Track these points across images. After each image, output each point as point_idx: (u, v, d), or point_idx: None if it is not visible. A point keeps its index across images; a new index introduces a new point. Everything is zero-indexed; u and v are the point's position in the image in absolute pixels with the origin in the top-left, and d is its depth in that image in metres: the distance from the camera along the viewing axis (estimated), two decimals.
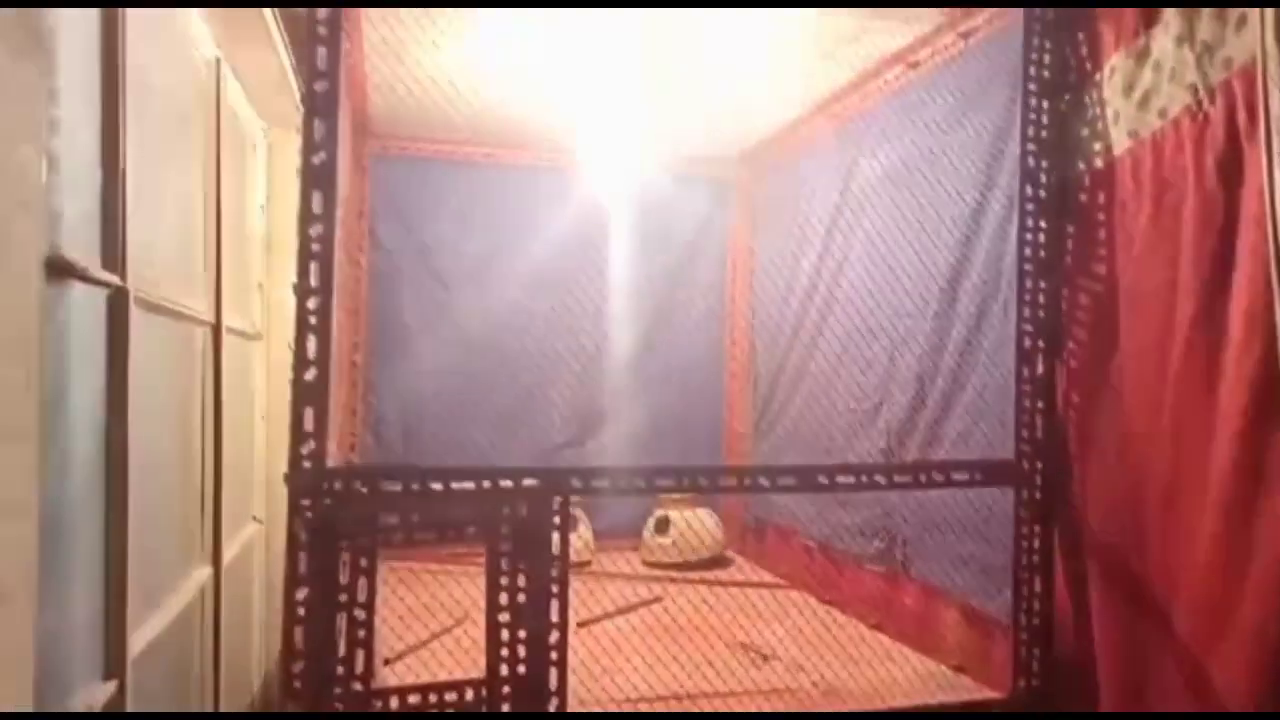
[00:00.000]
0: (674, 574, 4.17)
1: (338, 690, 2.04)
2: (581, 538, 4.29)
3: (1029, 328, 2.46)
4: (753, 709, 2.43)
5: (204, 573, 2.81)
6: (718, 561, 4.38)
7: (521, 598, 2.18)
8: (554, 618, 2.20)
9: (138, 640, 2.00)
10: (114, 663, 1.86)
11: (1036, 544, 2.49)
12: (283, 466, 3.74)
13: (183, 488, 2.60)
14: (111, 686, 1.83)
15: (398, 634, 2.97)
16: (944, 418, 3.01)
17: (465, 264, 4.56)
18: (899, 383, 3.29)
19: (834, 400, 3.76)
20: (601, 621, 3.37)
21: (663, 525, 4.36)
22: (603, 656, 2.94)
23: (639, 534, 4.49)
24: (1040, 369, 2.46)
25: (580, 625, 3.27)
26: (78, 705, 1.65)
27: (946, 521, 2.98)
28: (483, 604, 2.38)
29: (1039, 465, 2.50)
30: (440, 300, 4.58)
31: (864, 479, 2.44)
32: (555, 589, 2.20)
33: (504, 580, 2.17)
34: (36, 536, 1.06)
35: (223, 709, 3.02)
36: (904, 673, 2.89)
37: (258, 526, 3.81)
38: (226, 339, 3.06)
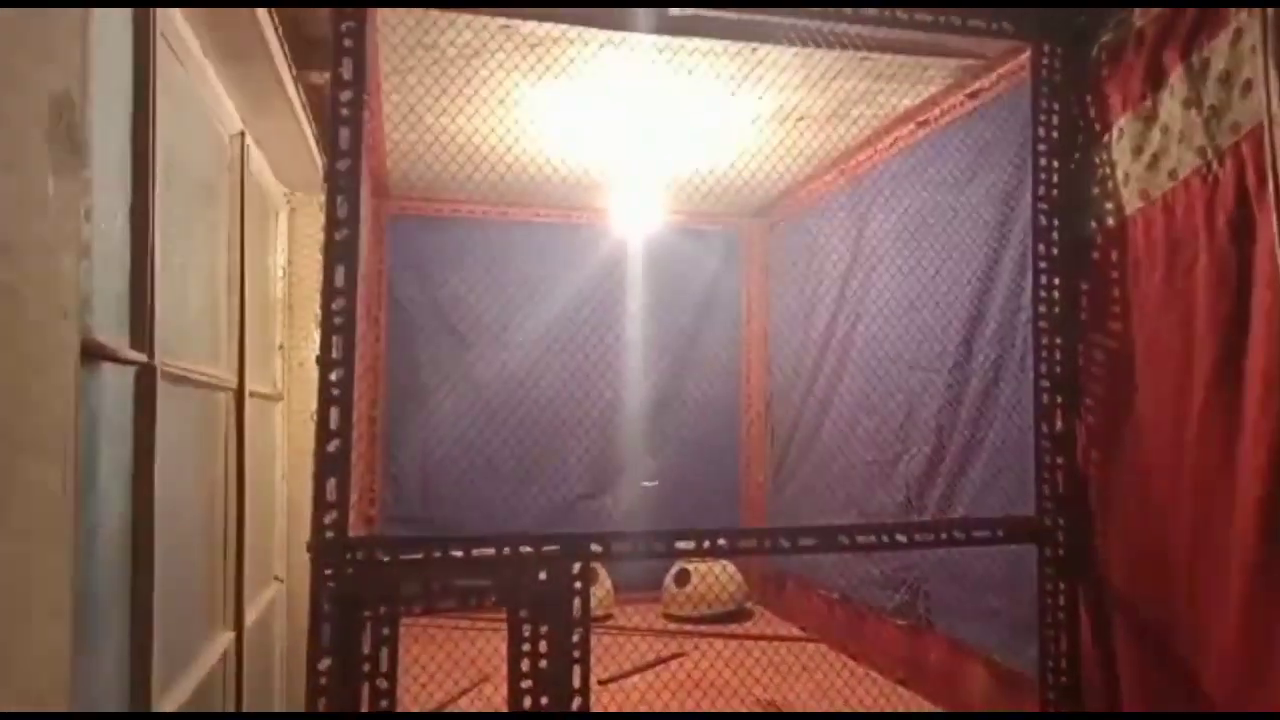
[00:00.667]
0: (695, 627, 4.15)
1: None
2: (602, 590, 4.28)
3: (1046, 384, 2.46)
4: None
5: (226, 637, 2.82)
6: (738, 614, 4.35)
7: (543, 663, 2.18)
8: (576, 682, 2.19)
9: (164, 707, 2.01)
10: None
11: (1062, 601, 2.47)
12: (303, 524, 3.76)
13: (207, 552, 2.62)
14: None
15: (420, 694, 2.97)
16: (964, 470, 3.00)
17: (482, 320, 4.62)
18: (917, 435, 3.29)
19: (851, 453, 3.76)
20: (623, 680, 3.35)
21: (683, 578, 4.34)
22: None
23: (659, 586, 4.48)
24: (1059, 425, 2.45)
25: (602, 683, 3.26)
26: None
27: (970, 575, 2.97)
28: (502, 661, 2.39)
29: (1061, 522, 2.49)
30: (457, 356, 4.63)
31: (885, 538, 2.43)
32: (577, 653, 2.20)
33: (525, 646, 2.17)
34: (70, 638, 1.08)
35: None
36: None
37: (279, 586, 3.82)
38: (249, 402, 3.10)
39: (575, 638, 2.19)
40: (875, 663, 3.53)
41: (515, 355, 4.62)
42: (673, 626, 4.21)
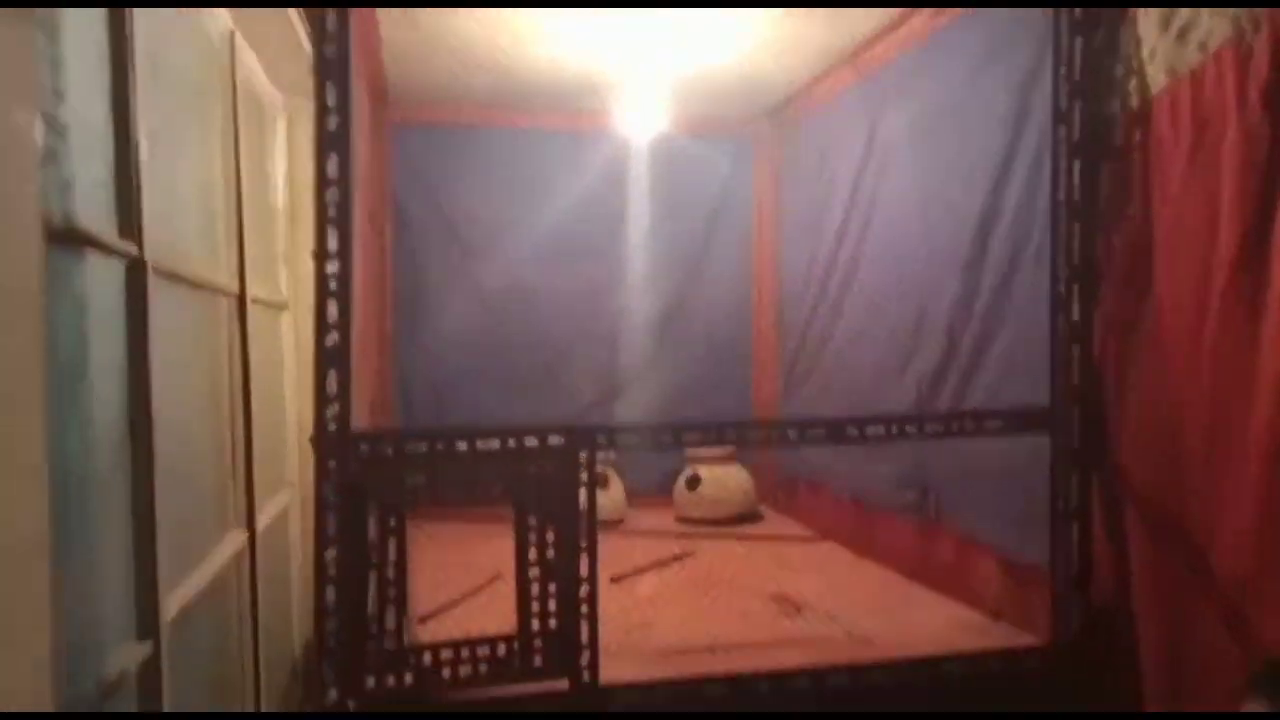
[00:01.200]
0: (706, 530, 4.18)
1: (370, 648, 2.06)
2: (613, 497, 4.30)
3: (1064, 272, 2.39)
4: (785, 659, 2.42)
5: (239, 537, 2.85)
6: (749, 517, 4.38)
7: (550, 554, 2.19)
8: (583, 571, 2.20)
9: (172, 603, 2.03)
10: (148, 625, 1.89)
11: (1074, 491, 2.45)
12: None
13: (213, 455, 2.62)
14: (147, 647, 1.86)
15: (430, 594, 3.01)
16: (975, 368, 2.96)
17: (490, 230, 4.55)
18: (929, 334, 3.23)
19: (862, 354, 3.71)
20: (634, 577, 3.39)
21: (694, 482, 4.36)
22: (635, 610, 2.96)
23: (671, 493, 4.50)
24: (1076, 314, 2.39)
25: (613, 580, 3.29)
26: (113, 665, 1.68)
27: (981, 471, 2.94)
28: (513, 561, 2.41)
29: (1076, 411, 2.45)
30: (465, 268, 4.58)
31: (895, 430, 2.40)
32: (584, 544, 2.20)
33: (532, 537, 2.18)
34: (47, 497, 1.06)
35: (262, 674, 3.09)
36: (940, 620, 2.87)
37: (292, 492, 3.86)
38: (252, 309, 3.07)
39: (582, 529, 2.19)
40: (886, 560, 3.54)
41: (524, 266, 4.56)
42: (684, 529, 4.24)
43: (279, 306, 3.73)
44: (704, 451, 4.36)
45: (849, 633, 2.75)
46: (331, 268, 2.00)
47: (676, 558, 3.68)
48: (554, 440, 2.20)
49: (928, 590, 3.19)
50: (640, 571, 3.48)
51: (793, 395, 4.48)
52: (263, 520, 3.14)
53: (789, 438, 2.35)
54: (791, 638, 2.73)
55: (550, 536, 2.19)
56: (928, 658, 2.45)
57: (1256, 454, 1.91)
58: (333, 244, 1.99)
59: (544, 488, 2.18)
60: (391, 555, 2.08)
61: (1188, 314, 2.09)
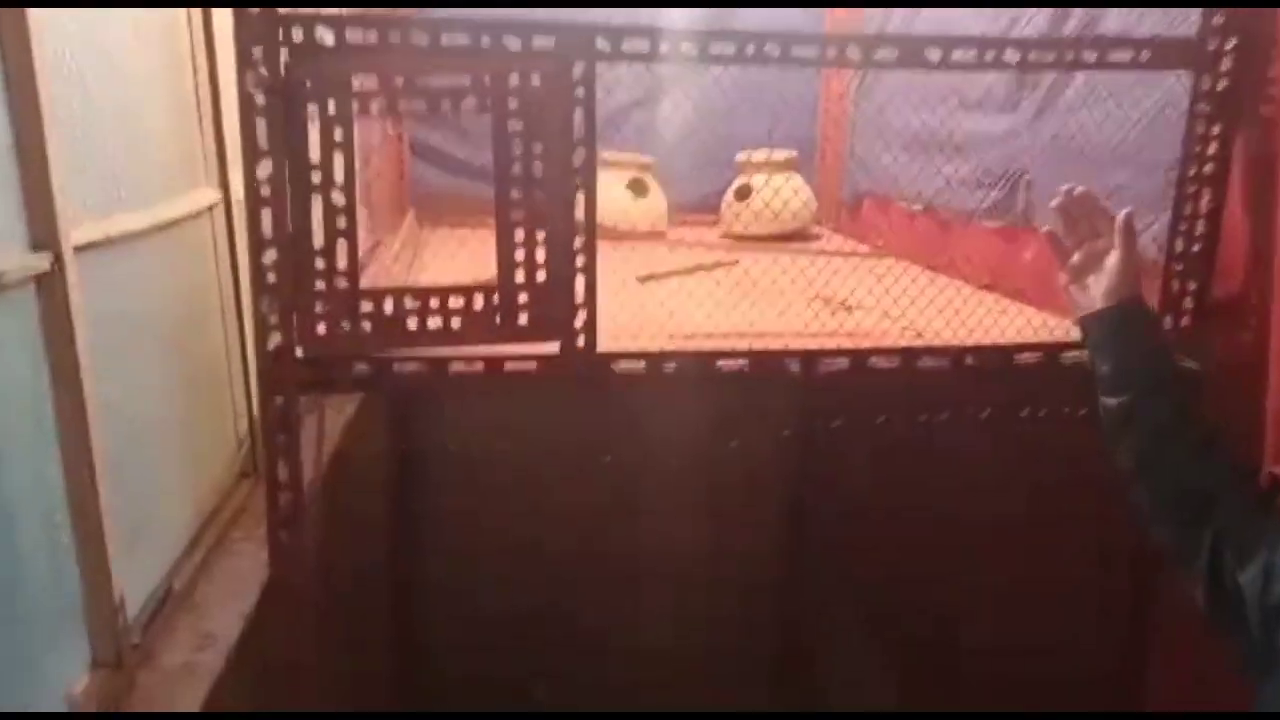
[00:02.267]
0: (753, 246, 3.74)
1: (320, 286, 1.72)
2: (652, 208, 3.86)
3: None
4: (826, 347, 2.03)
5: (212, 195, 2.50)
6: (804, 235, 3.91)
7: (538, 191, 1.77)
8: (580, 214, 1.79)
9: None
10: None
11: (1212, 150, 1.91)
12: None
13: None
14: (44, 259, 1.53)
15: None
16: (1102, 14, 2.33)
17: None
18: None
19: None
20: (665, 278, 2.99)
21: (744, 192, 3.87)
22: (656, 305, 2.58)
23: (718, 209, 4.03)
24: None
25: (641, 280, 2.91)
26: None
27: (1090, 150, 2.40)
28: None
29: (1229, 45, 1.86)
30: None
31: (988, 56, 1.85)
32: (580, 181, 1.78)
33: (516, 168, 1.76)
34: None
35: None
36: (1014, 323, 2.44)
37: None
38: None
39: (579, 158, 1.75)
40: (958, 272, 3.08)
41: None
42: (731, 245, 3.80)
43: None
44: (759, 157, 3.84)
45: (905, 328, 2.33)
46: None
47: (717, 264, 3.27)
48: (541, 43, 1.71)
49: (1005, 300, 2.75)
50: (672, 274, 3.08)
51: (865, 98, 3.87)
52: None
53: (850, 56, 1.82)
54: (835, 331, 2.33)
55: (538, 169, 1.77)
56: (990, 345, 2.04)
57: None
58: None
59: (529, 105, 1.73)
60: (338, 176, 1.68)
61: None
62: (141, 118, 1.89)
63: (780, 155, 3.78)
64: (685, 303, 2.60)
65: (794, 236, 3.84)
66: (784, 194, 3.76)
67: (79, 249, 1.58)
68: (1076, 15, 2.46)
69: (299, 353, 1.74)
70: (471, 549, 2.50)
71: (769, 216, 3.74)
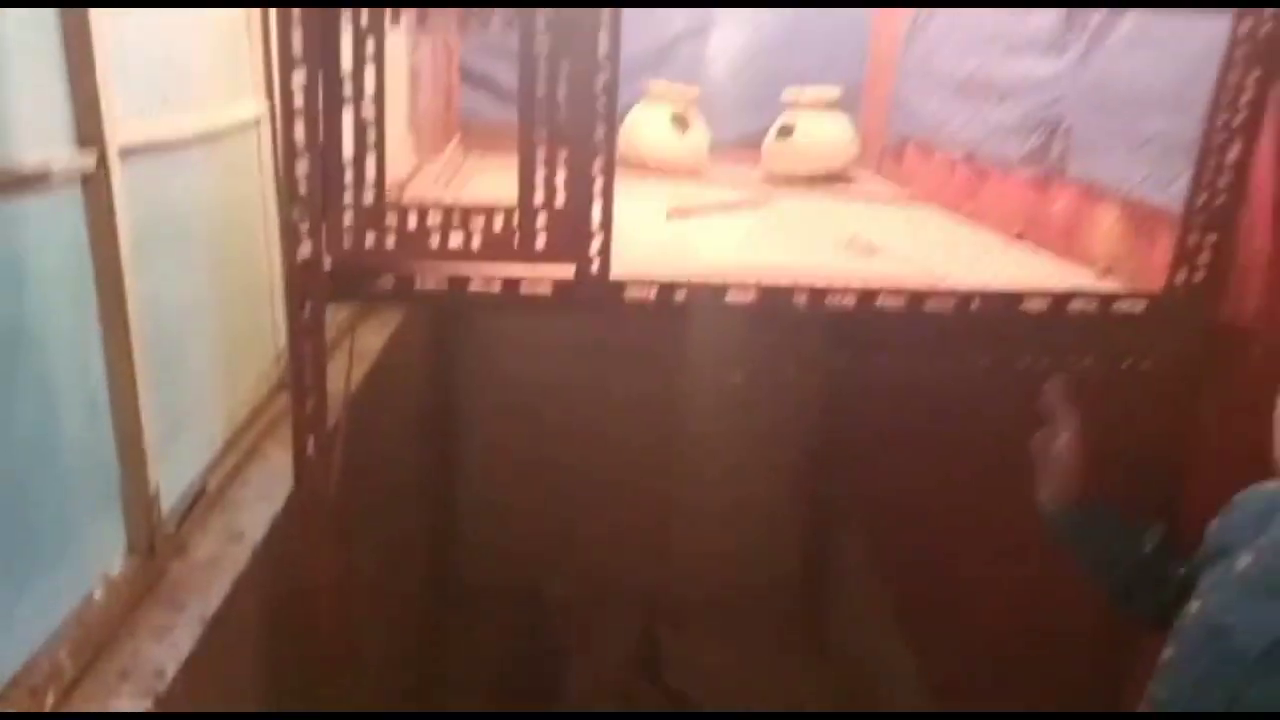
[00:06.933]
0: (792, 185, 3.74)
1: (348, 200, 1.80)
2: (693, 143, 3.86)
3: None
4: (848, 289, 2.06)
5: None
6: (842, 177, 3.89)
7: (561, 113, 1.81)
8: (599, 137, 1.83)
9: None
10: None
11: (1246, 97, 1.88)
12: None
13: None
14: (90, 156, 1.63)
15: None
16: None
17: None
18: None
19: None
20: (693, 213, 3.02)
21: (786, 131, 3.85)
22: (680, 241, 2.63)
23: (759, 147, 4.02)
24: None
25: (669, 216, 2.95)
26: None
27: (1129, 98, 2.37)
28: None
29: None
30: None
31: None
32: (601, 107, 1.82)
33: (540, 89, 1.80)
34: None
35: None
36: (1038, 272, 2.45)
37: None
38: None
39: (602, 81, 1.79)
40: (991, 220, 3.07)
41: None
42: (769, 184, 3.80)
43: None
44: (805, 94, 3.81)
45: (927, 272, 2.35)
46: None
47: (747, 201, 3.29)
48: None
49: (1031, 250, 2.74)
50: (704, 210, 3.10)
51: (916, 39, 3.81)
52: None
53: None
54: (853, 272, 2.35)
55: (561, 91, 1.81)
56: (1003, 291, 2.05)
57: None
58: None
59: (556, 24, 1.76)
60: (369, 88, 1.74)
61: None
62: (188, 24, 1.97)
63: (827, 94, 3.75)
64: (712, 239, 2.64)
65: (835, 178, 3.82)
66: (828, 134, 3.74)
67: (124, 151, 1.67)
68: None
69: (327, 264, 1.82)
70: (494, 459, 2.60)
71: (811, 156, 3.73)
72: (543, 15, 1.75)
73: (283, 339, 2.59)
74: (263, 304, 2.64)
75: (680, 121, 3.83)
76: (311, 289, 1.81)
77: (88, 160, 1.57)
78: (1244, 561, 1.29)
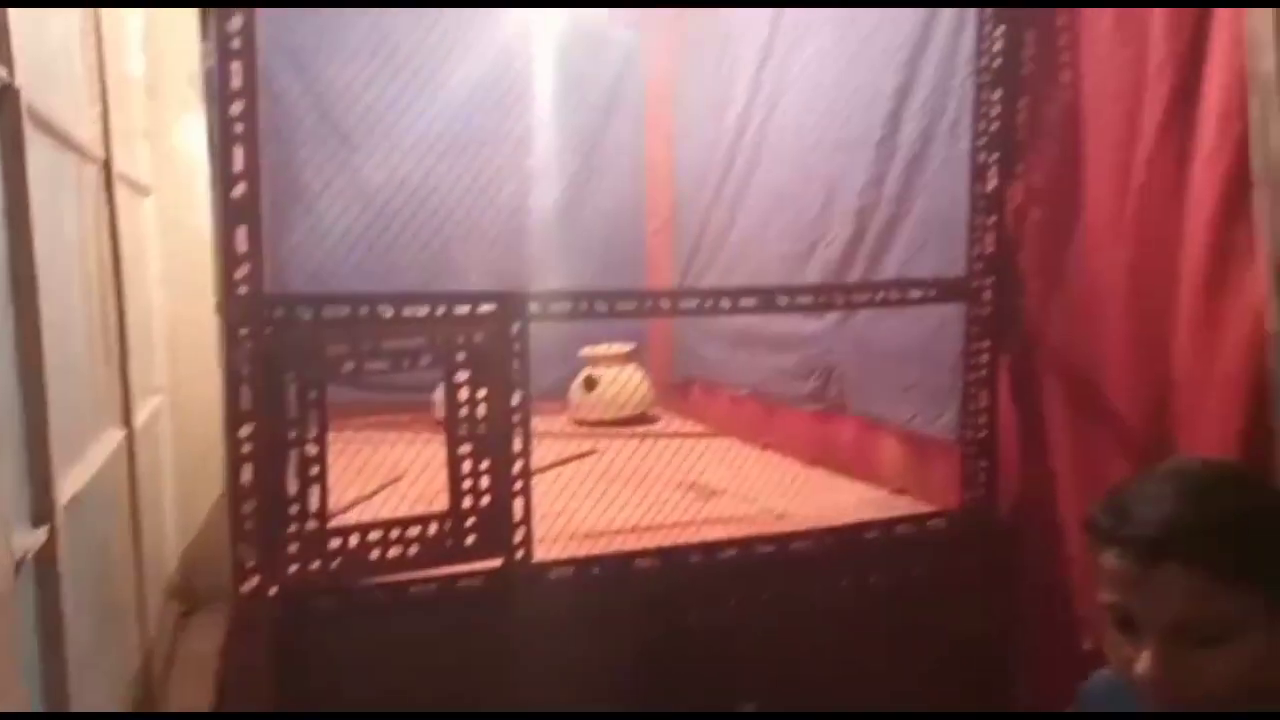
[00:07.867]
0: (604, 431, 4.14)
1: (293, 529, 1.92)
2: None
3: (983, 141, 2.43)
4: (709, 537, 2.43)
5: (118, 435, 2.60)
6: (645, 418, 4.36)
7: (482, 428, 2.08)
8: (516, 447, 2.11)
9: (65, 489, 1.83)
10: (43, 510, 1.70)
11: (984, 359, 2.53)
12: (183, 335, 3.48)
13: (89, 340, 2.36)
14: (43, 533, 1.67)
15: (338, 493, 2.85)
16: (886, 249, 2.98)
17: (369, 118, 4.22)
18: (836, 220, 3.24)
19: (766, 245, 3.70)
20: (545, 472, 3.30)
21: (590, 383, 4.29)
22: (549, 501, 2.88)
23: (565, 397, 4.42)
24: (993, 183, 2.44)
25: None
26: (13, 548, 1.49)
27: (888, 352, 3.00)
28: (418, 464, 2.37)
29: (989, 280, 2.52)
30: (343, 159, 4.26)
31: (822, 299, 2.42)
32: (517, 418, 2.11)
33: (463, 411, 2.07)
34: None
35: (146, 582, 2.87)
36: (848, 498, 2.95)
37: (163, 397, 3.57)
38: (119, 187, 2.76)
39: (515, 399, 2.09)
40: (786, 450, 3.60)
41: (408, 158, 4.28)
42: (582, 431, 4.18)
43: (142, 192, 3.38)
44: (600, 352, 4.30)
45: (766, 511, 2.78)
46: (236, 108, 1.78)
47: (582, 455, 3.63)
48: (485, 308, 2.07)
49: (831, 474, 3.27)
50: (550, 467, 3.40)
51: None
52: (139, 418, 2.88)
53: (722, 305, 2.31)
54: (711, 518, 2.73)
55: (481, 410, 2.09)
56: (848, 525, 2.51)
57: (1188, 288, 1.95)
58: (237, 80, 1.77)
59: (475, 358, 2.06)
60: (312, 431, 1.92)
61: (1112, 181, 2.15)
62: None
63: (620, 349, 4.27)
64: (570, 499, 2.92)
65: (637, 420, 4.28)
66: (629, 382, 4.23)
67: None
68: (867, 244, 3.10)
69: (272, 592, 1.90)
70: None
71: (617, 404, 4.18)
72: (464, 350, 2.04)
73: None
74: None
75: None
76: (260, 619, 1.87)
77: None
78: None
